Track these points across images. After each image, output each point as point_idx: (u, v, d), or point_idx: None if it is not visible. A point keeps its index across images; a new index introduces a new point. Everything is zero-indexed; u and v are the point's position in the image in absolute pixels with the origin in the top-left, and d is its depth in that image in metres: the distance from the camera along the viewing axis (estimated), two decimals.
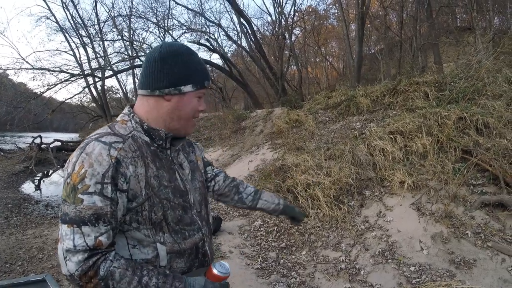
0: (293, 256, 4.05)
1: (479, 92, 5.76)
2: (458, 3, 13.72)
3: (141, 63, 14.61)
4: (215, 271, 1.17)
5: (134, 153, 1.09)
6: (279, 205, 1.74)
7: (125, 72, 21.96)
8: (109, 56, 16.56)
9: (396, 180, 4.48)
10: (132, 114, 1.20)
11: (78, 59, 19.85)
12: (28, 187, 10.79)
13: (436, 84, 6.83)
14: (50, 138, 17.30)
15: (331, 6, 26.51)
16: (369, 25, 19.88)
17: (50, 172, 13.65)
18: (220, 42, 19.76)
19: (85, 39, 18.54)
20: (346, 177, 4.83)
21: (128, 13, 17.26)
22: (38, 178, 12.13)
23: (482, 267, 3.25)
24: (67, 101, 17.66)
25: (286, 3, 21.87)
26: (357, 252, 3.82)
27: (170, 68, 1.15)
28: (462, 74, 6.77)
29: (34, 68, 14.58)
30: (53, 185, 11.66)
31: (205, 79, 1.23)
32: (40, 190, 10.58)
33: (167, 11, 17.89)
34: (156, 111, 1.19)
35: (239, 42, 18.61)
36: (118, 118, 1.21)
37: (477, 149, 4.46)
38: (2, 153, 14.95)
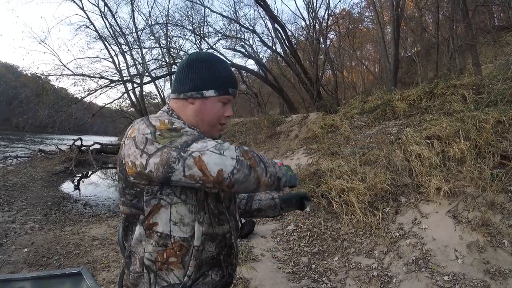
0: (325, 262, 4.04)
1: None
2: (494, 1, 13.22)
3: None
4: None
5: None
6: (274, 199, 1.67)
7: (163, 78, 22.35)
8: (147, 63, 16.96)
9: (433, 186, 4.34)
10: (171, 112, 1.28)
11: (117, 66, 20.44)
12: (67, 187, 11.13)
13: (474, 87, 6.63)
14: (90, 141, 17.92)
15: (365, 9, 26.31)
16: (404, 27, 19.54)
17: (89, 173, 14.16)
18: (255, 48, 20.06)
19: (123, 46, 19.17)
20: (381, 183, 4.75)
21: (165, 21, 17.70)
22: (78, 178, 12.60)
23: None
24: (106, 106, 18.18)
25: (319, 7, 21.75)
26: (390, 259, 3.76)
27: (195, 73, 1.25)
28: (500, 76, 6.51)
29: (75, 74, 15.08)
30: (92, 185, 12.04)
31: (229, 86, 1.29)
32: (79, 189, 10.94)
33: (202, 18, 18.30)
34: (184, 113, 1.27)
35: (273, 47, 18.69)
36: (157, 114, 1.25)
37: None
38: (43, 154, 15.53)
